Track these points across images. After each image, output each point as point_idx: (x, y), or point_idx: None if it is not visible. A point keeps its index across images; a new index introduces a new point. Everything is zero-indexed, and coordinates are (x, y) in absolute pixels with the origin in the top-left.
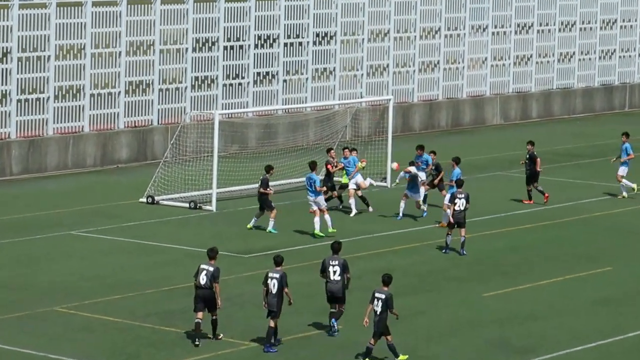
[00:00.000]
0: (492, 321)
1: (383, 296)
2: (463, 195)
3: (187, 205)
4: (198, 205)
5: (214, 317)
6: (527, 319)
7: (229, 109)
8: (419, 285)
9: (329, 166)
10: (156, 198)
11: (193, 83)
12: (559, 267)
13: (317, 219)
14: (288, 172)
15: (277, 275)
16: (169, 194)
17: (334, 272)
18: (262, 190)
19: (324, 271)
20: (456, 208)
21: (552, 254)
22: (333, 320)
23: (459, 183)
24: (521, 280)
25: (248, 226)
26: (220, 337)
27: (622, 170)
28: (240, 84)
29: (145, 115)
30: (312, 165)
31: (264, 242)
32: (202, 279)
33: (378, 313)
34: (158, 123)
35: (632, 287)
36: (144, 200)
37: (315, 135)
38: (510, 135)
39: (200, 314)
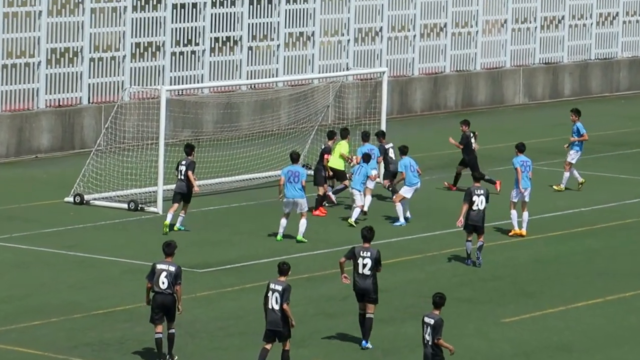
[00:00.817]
0: (515, 355)
1: (432, 321)
2: (482, 192)
3: (125, 206)
4: (139, 206)
5: (172, 331)
6: (559, 350)
7: (179, 83)
8: (420, 308)
9: (326, 156)
10: (86, 197)
11: (133, 51)
12: (596, 285)
13: (303, 221)
14: (255, 164)
15: (280, 288)
16: (103, 192)
17: (364, 265)
18: (190, 175)
19: (350, 259)
20: (473, 208)
21: (589, 270)
22: (364, 342)
23: (476, 176)
24: (549, 302)
25: None
26: (175, 358)
27: (573, 156)
28: (193, 52)
29: (72, 91)
30: (295, 157)
31: (223, 254)
32: (162, 283)
33: (427, 343)
34: (88, 102)
35: None
36: (71, 199)
37: (289, 118)
38: (536, 117)
39: (159, 328)
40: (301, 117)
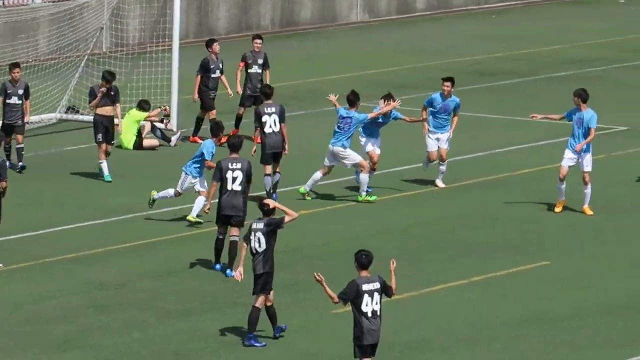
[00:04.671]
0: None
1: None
2: (274, 110)
3: None
4: None
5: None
6: (408, 348)
7: None
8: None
9: None
10: None
11: None
12: (459, 263)
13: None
14: None
15: (261, 225)
16: None
17: (234, 179)
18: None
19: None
20: (266, 130)
21: (449, 243)
22: (229, 271)
23: (266, 92)
24: (404, 285)
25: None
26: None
27: (443, 141)
28: None
29: None
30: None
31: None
32: None
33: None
34: None
35: (582, 294)
36: None
37: (50, 46)
38: (379, 39)
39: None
40: (66, 44)
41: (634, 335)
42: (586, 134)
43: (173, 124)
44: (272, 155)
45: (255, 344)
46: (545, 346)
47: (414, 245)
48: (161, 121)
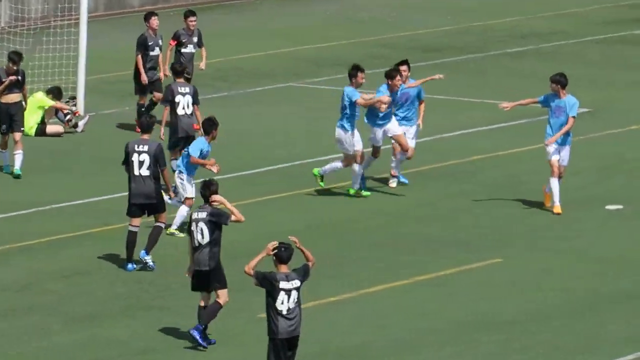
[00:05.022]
0: None
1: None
2: (188, 90)
3: None
4: None
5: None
6: (340, 357)
7: None
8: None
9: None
10: None
11: None
12: (400, 262)
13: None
14: None
15: (204, 215)
16: None
17: (141, 163)
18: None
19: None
20: (179, 111)
21: (395, 237)
22: (143, 252)
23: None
24: (329, 289)
25: None
26: None
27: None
28: None
29: None
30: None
31: None
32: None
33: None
34: None
35: (538, 294)
36: None
37: None
38: (307, 10)
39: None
40: None
41: (595, 339)
42: (564, 123)
43: (80, 107)
44: (185, 139)
45: (201, 341)
46: (498, 352)
47: (353, 241)
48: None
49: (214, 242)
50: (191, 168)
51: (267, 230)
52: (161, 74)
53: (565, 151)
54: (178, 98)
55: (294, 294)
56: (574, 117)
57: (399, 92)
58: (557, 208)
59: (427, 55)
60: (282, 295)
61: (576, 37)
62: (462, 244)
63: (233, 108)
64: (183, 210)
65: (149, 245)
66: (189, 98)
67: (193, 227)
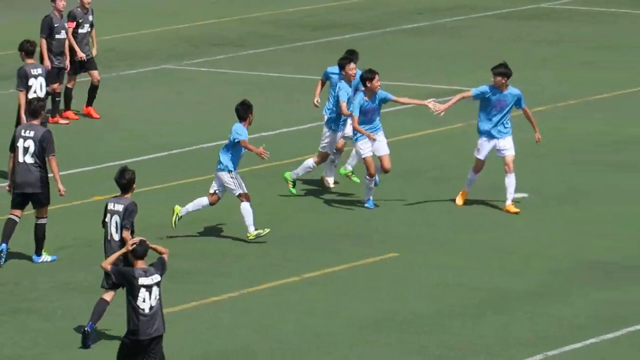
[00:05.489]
0: None
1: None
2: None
3: None
4: None
5: None
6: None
7: None
8: None
9: None
10: None
11: None
12: (293, 256)
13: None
14: None
15: (121, 207)
16: None
17: (25, 150)
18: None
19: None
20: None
21: (281, 231)
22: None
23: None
24: (221, 285)
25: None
26: None
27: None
28: None
29: None
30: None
31: None
32: None
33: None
34: None
35: (437, 291)
36: None
37: None
38: None
39: None
40: None
41: (497, 340)
42: (505, 118)
43: None
44: None
45: (88, 341)
46: (392, 354)
47: (234, 236)
48: None
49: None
50: (236, 160)
51: (143, 223)
52: (80, 55)
53: (508, 141)
54: (31, 81)
55: (155, 290)
56: (526, 107)
57: (376, 99)
58: (511, 207)
59: (318, 33)
60: (142, 293)
61: (478, 12)
62: (355, 237)
63: (106, 92)
64: (247, 206)
65: (38, 246)
66: (41, 80)
67: (107, 219)
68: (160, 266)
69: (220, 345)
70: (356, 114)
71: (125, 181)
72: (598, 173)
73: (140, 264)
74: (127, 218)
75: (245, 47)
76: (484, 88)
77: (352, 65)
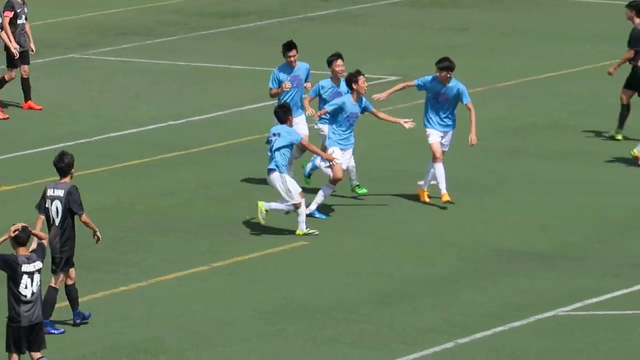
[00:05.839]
0: None
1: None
2: None
3: None
4: None
5: None
6: (143, 352)
7: None
8: None
9: None
10: None
11: None
12: (201, 244)
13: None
14: None
15: (62, 192)
16: None
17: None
18: None
19: None
20: None
21: (189, 218)
22: None
23: None
24: (127, 275)
25: None
26: None
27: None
28: None
29: None
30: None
31: None
32: None
33: None
34: None
35: (347, 280)
36: None
37: None
38: None
39: None
40: None
41: (408, 328)
42: (450, 110)
43: None
44: None
45: (53, 331)
46: (303, 343)
47: (139, 225)
48: None
49: (70, 219)
50: (287, 162)
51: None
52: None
53: (449, 136)
54: None
55: (37, 276)
56: (470, 103)
57: (362, 104)
58: (446, 196)
59: (225, 21)
60: (25, 279)
61: None
62: (261, 226)
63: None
64: (303, 208)
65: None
66: None
67: (47, 204)
68: (41, 253)
69: (131, 335)
70: (327, 109)
71: (63, 164)
72: (499, 159)
73: (23, 251)
74: (74, 203)
75: (152, 36)
76: (427, 79)
77: (339, 62)
